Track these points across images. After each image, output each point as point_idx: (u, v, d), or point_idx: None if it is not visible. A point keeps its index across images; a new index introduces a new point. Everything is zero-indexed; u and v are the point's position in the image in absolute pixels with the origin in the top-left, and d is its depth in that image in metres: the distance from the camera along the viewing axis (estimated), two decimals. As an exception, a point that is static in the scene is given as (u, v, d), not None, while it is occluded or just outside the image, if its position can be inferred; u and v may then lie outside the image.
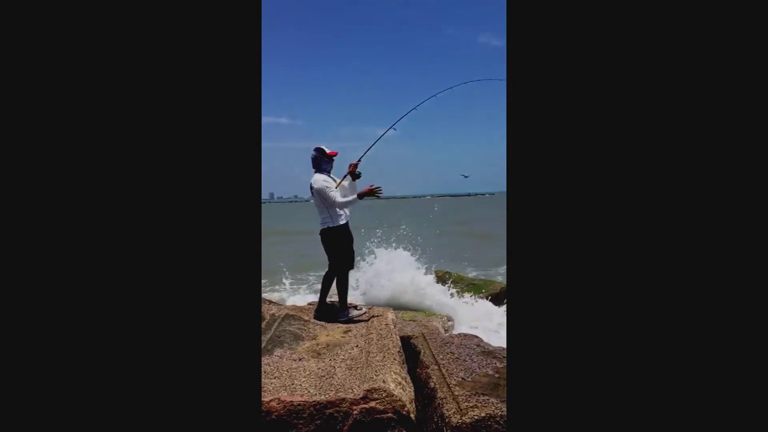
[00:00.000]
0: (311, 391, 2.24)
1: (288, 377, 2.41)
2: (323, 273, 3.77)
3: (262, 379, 2.38)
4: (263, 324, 3.35)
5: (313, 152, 3.59)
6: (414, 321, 4.20)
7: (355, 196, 3.47)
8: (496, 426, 2.06)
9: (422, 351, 3.03)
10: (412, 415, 2.19)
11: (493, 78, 3.38)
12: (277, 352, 2.81)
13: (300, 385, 2.32)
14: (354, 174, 3.66)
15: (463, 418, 2.10)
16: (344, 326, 3.36)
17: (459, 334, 3.99)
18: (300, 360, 2.68)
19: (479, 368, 2.64)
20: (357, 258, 3.76)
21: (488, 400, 2.21)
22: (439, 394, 2.35)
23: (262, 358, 2.69)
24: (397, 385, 2.30)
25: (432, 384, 2.51)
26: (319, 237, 3.60)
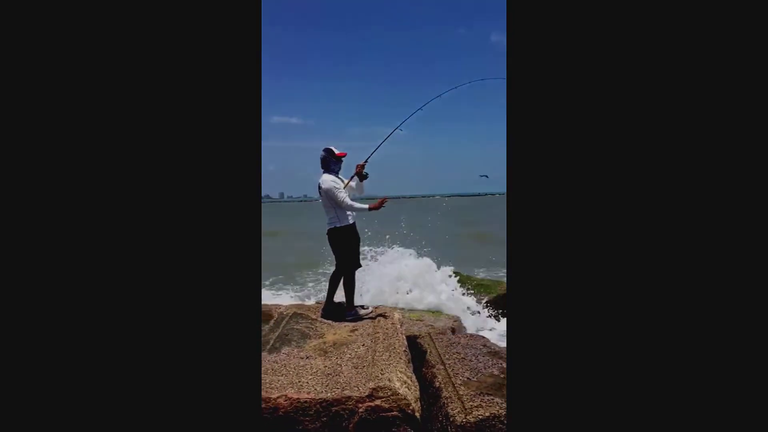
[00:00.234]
0: (318, 389, 2.27)
1: (295, 375, 2.45)
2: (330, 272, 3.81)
3: (270, 376, 2.41)
4: (271, 322, 3.40)
5: (322, 152, 3.62)
6: (421, 321, 4.22)
7: (366, 206, 3.47)
8: (500, 426, 2.08)
9: (428, 350, 3.05)
10: (417, 414, 2.21)
11: (497, 77, 3.36)
12: (285, 349, 2.84)
13: (307, 382, 2.35)
14: (361, 175, 3.68)
15: (468, 417, 2.12)
16: (351, 325, 3.39)
17: (466, 334, 4.00)
18: (307, 358, 2.71)
19: (485, 368, 2.65)
20: (363, 258, 3.79)
21: (493, 400, 2.22)
22: (444, 394, 2.37)
23: (270, 356, 2.73)
24: (402, 383, 2.32)
25: (437, 383, 2.53)
26: (327, 237, 3.63)
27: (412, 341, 3.26)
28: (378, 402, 2.17)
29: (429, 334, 3.45)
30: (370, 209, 3.46)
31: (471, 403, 2.22)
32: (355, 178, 3.69)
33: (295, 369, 2.53)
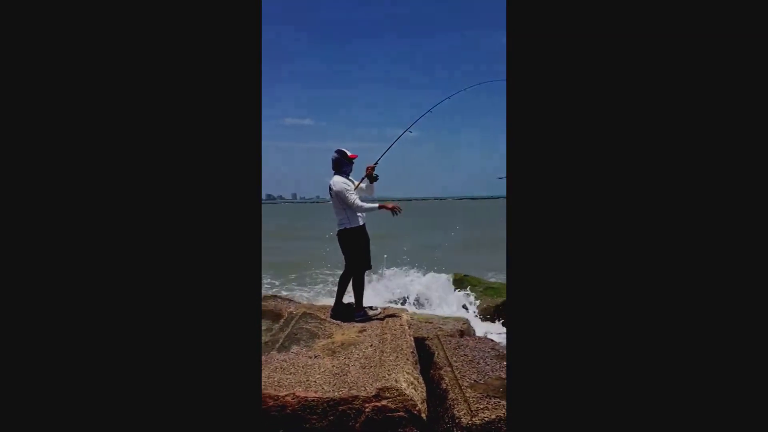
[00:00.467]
0: (325, 388, 2.30)
1: (303, 373, 2.48)
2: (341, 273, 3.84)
3: (279, 374, 2.45)
4: (281, 321, 3.44)
5: (335, 154, 3.66)
6: (429, 323, 4.22)
7: (376, 205, 3.52)
8: (506, 429, 2.08)
9: (436, 352, 3.06)
10: (423, 415, 2.23)
11: (502, 79, 3.34)
12: (294, 348, 2.88)
13: (315, 381, 2.38)
14: (371, 176, 3.72)
15: (474, 419, 2.13)
16: (359, 326, 3.41)
17: (474, 337, 4.00)
18: (315, 357, 2.74)
19: (492, 371, 2.66)
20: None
21: (499, 402, 2.23)
22: (451, 395, 2.38)
23: (280, 354, 2.77)
24: (409, 384, 2.34)
25: (444, 385, 2.54)
26: (337, 238, 3.67)
27: (420, 343, 3.27)
28: (385, 402, 2.19)
29: (437, 336, 3.46)
30: (380, 207, 3.53)
31: (477, 405, 2.22)
32: (366, 179, 3.72)
33: (303, 368, 2.56)
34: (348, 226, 3.57)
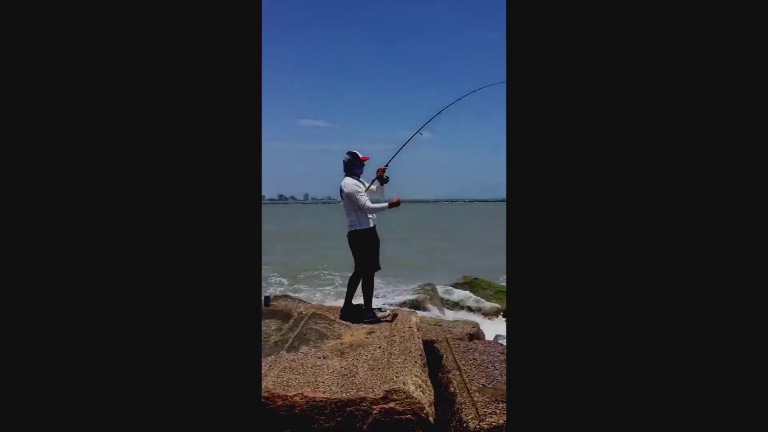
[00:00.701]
0: (333, 389, 2.31)
1: (312, 374, 2.49)
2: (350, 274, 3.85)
3: (288, 374, 2.47)
4: (290, 321, 3.46)
5: (347, 156, 3.67)
6: (439, 326, 4.21)
7: (385, 204, 3.55)
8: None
9: (445, 356, 3.05)
10: (430, 418, 2.22)
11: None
12: (303, 349, 2.90)
13: (323, 382, 2.39)
14: (382, 178, 3.73)
15: (481, 424, 2.12)
16: (368, 327, 3.42)
17: (483, 340, 3.98)
18: (324, 358, 2.75)
19: (501, 376, 2.64)
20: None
21: (506, 409, 2.22)
22: (459, 399, 2.38)
23: (289, 354, 2.79)
24: (417, 387, 2.34)
25: (452, 389, 2.53)
26: (347, 239, 3.68)
27: (429, 346, 3.27)
28: (392, 404, 2.20)
29: (446, 339, 3.45)
30: (390, 206, 3.58)
31: (485, 410, 2.21)
32: (376, 181, 3.73)
33: (312, 368, 2.57)
34: (358, 228, 3.58)
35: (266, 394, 2.23)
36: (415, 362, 2.65)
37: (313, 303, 4.85)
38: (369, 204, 3.53)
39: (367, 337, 3.16)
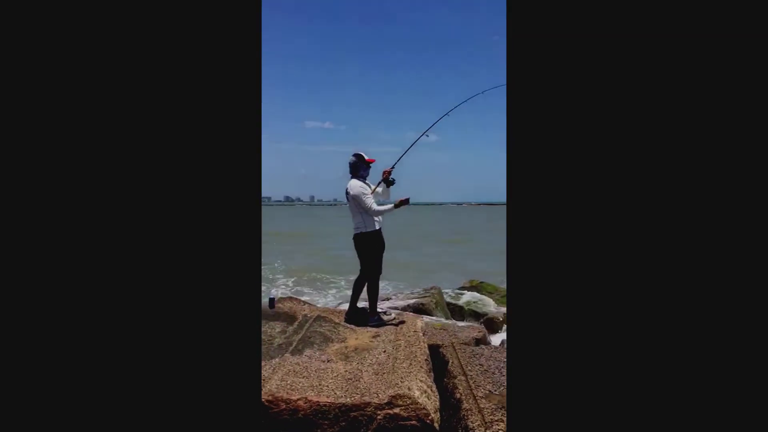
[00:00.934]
0: (337, 393, 2.28)
1: (316, 378, 2.47)
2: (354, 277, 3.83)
3: (292, 378, 2.44)
4: (295, 324, 3.44)
5: (352, 158, 3.65)
6: (445, 330, 4.17)
7: (391, 205, 3.53)
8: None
9: (450, 361, 3.01)
10: (436, 425, 2.19)
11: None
12: (307, 352, 2.87)
13: (327, 386, 2.37)
14: (388, 181, 3.70)
15: (487, 431, 2.08)
16: (373, 331, 3.39)
17: (490, 346, 3.94)
18: (328, 362, 2.73)
19: (507, 382, 2.60)
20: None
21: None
22: (465, 406, 2.34)
23: (293, 357, 2.76)
24: (422, 393, 2.30)
25: (458, 395, 2.50)
26: (353, 241, 3.66)
27: (435, 350, 3.23)
28: (397, 410, 2.16)
29: (452, 344, 3.41)
30: (396, 206, 3.56)
31: (491, 417, 2.17)
32: (382, 184, 3.71)
33: (316, 372, 2.55)
34: (364, 230, 3.56)
35: (270, 398, 2.21)
36: (421, 367, 2.62)
37: (318, 305, 4.82)
38: (375, 206, 3.50)
39: (372, 341, 3.13)
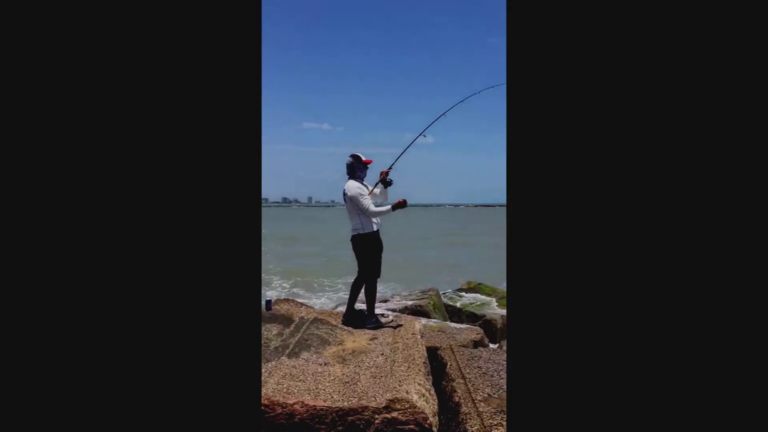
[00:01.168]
0: (334, 397, 2.25)
1: (313, 381, 2.43)
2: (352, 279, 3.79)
3: (288, 381, 2.41)
4: (292, 326, 3.41)
5: (349, 158, 3.63)
6: (443, 332, 4.14)
7: (389, 206, 3.49)
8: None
9: (449, 363, 2.98)
10: (434, 429, 2.16)
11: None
12: (304, 355, 2.84)
13: (324, 389, 2.33)
14: (385, 181, 3.67)
15: (487, 435, 2.05)
16: (371, 333, 3.36)
17: (488, 348, 3.91)
18: (325, 365, 2.69)
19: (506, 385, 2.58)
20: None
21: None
22: (463, 409, 2.31)
23: (290, 361, 2.73)
24: (420, 396, 2.27)
25: (456, 398, 2.47)
26: (350, 243, 3.63)
27: (433, 353, 3.20)
28: (395, 414, 2.13)
29: (450, 346, 3.38)
30: (393, 208, 3.50)
31: (491, 421, 2.15)
32: (380, 185, 3.68)
33: (313, 375, 2.52)
34: (362, 232, 3.53)
35: (266, 402, 2.17)
36: (419, 370, 2.59)
37: (316, 308, 4.78)
38: (372, 207, 3.47)
39: (369, 344, 3.10)
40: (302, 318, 3.62)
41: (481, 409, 2.27)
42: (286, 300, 4.47)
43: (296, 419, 2.14)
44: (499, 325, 5.60)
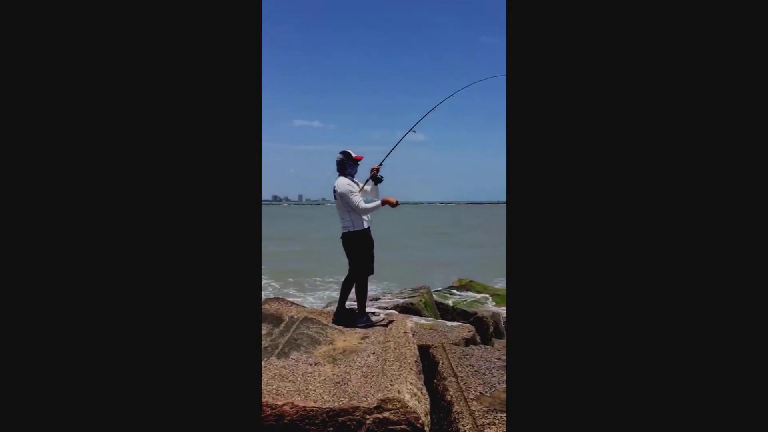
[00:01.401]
0: (325, 398, 2.21)
1: (303, 382, 2.39)
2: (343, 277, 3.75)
3: (277, 382, 2.36)
4: (281, 326, 3.36)
5: (339, 155, 3.58)
6: (435, 330, 4.11)
7: (378, 202, 3.45)
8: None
9: (440, 362, 2.95)
10: (426, 428, 2.13)
11: (498, 75, 3.27)
12: (294, 355, 2.79)
13: (314, 390, 2.29)
14: (376, 178, 3.63)
15: (479, 434, 2.03)
16: (362, 332, 3.32)
17: (480, 346, 3.89)
18: (316, 365, 2.65)
19: (499, 383, 2.55)
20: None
21: (506, 417, 2.13)
22: (455, 408, 2.28)
23: (279, 361, 2.68)
24: (412, 396, 2.24)
25: (449, 397, 2.44)
26: (341, 241, 3.58)
27: (424, 351, 3.17)
28: (386, 414, 2.10)
29: (442, 344, 3.35)
30: (383, 204, 3.46)
31: (483, 420, 2.12)
32: (370, 181, 3.64)
33: (302, 375, 2.47)
34: (352, 229, 3.49)
35: (254, 404, 2.13)
36: (411, 369, 2.56)
37: (306, 307, 4.73)
38: (362, 204, 3.43)
39: (360, 343, 3.06)
40: (292, 317, 3.57)
41: (473, 408, 2.24)
42: (276, 299, 4.41)
43: (286, 420, 2.10)
44: (490, 323, 5.59)
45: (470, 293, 6.87)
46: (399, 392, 2.21)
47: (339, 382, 2.39)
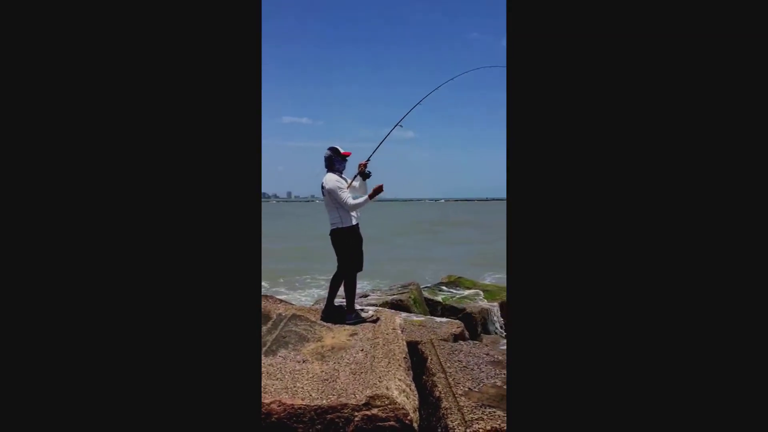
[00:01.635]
0: (313, 395, 2.19)
1: (290, 379, 2.37)
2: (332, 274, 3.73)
3: (265, 380, 2.34)
4: (269, 324, 3.33)
5: (327, 151, 3.55)
6: (423, 326, 4.11)
7: (366, 197, 3.43)
8: (502, 440, 1.98)
9: (429, 358, 2.96)
10: (415, 425, 2.13)
11: (495, 65, 3.29)
12: (281, 352, 2.77)
13: (302, 387, 2.28)
14: (363, 173, 3.61)
15: (468, 430, 2.03)
16: (351, 329, 3.31)
17: (469, 341, 3.90)
18: (304, 362, 2.63)
19: (487, 378, 2.56)
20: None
21: (494, 412, 2.13)
22: (444, 404, 2.28)
23: (266, 359, 2.66)
24: (400, 392, 2.24)
25: (437, 393, 2.44)
26: (329, 237, 3.56)
27: (413, 347, 3.17)
28: (375, 411, 2.09)
29: (431, 340, 3.36)
30: (370, 198, 3.42)
31: (471, 416, 2.12)
32: (358, 177, 3.62)
33: (290, 373, 2.45)
34: (341, 226, 3.47)
35: (241, 402, 2.11)
36: (399, 365, 2.55)
37: (294, 304, 4.70)
38: (350, 200, 3.41)
39: (349, 340, 3.05)
40: (280, 315, 3.54)
41: (461, 404, 2.25)
42: (264, 297, 4.37)
43: (273, 419, 2.08)
44: (479, 319, 5.61)
45: (459, 289, 6.89)
46: (387, 389, 2.21)
47: (327, 380, 2.37)
